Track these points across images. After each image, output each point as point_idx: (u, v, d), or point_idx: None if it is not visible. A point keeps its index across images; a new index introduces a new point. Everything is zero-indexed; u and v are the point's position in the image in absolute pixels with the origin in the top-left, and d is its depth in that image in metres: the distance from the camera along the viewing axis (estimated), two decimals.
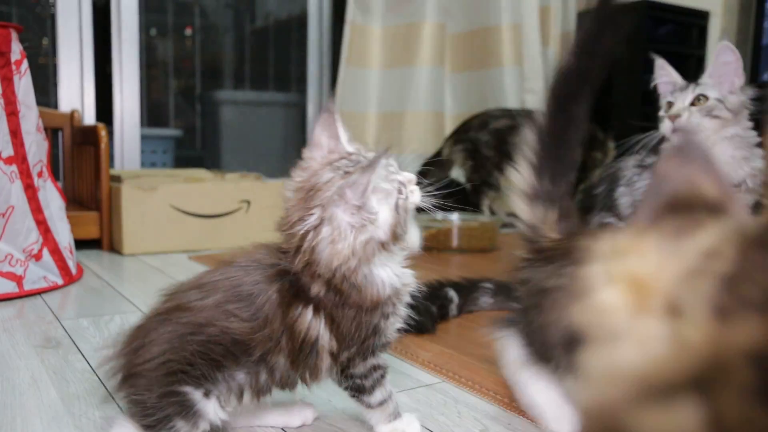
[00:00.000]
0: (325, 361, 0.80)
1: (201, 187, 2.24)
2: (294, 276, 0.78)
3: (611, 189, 1.35)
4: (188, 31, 3.89)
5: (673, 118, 1.22)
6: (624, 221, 1.32)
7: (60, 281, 1.67)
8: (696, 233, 0.30)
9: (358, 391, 0.83)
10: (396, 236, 0.78)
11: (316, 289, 0.77)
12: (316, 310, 0.78)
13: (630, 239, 0.32)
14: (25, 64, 1.63)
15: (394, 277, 0.81)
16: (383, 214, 0.77)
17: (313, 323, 0.78)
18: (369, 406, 0.84)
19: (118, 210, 2.15)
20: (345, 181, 0.74)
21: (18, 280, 1.57)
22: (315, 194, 0.76)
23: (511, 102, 3.14)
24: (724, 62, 1.21)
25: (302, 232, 0.76)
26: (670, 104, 1.24)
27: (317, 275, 0.76)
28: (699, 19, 3.17)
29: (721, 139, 1.20)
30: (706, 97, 1.20)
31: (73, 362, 1.13)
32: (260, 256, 0.81)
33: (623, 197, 1.32)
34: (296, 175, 0.80)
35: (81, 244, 2.08)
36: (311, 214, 0.75)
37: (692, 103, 1.21)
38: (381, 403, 0.84)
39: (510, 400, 0.98)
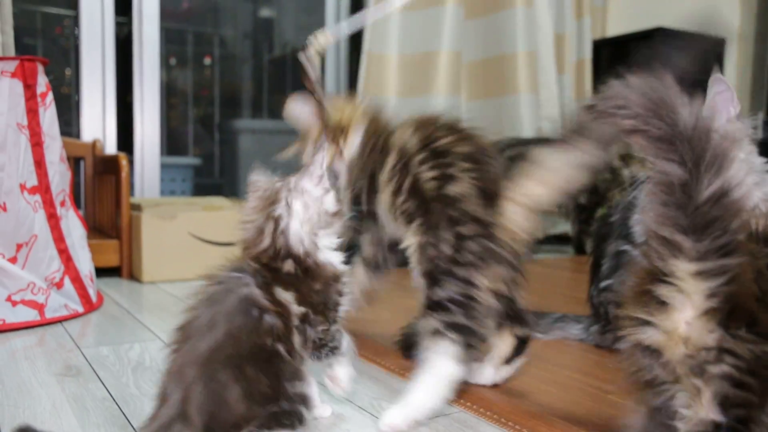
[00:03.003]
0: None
1: (219, 216, 2.26)
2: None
3: (626, 217, 1.35)
4: (207, 61, 3.95)
5: None
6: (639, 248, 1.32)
7: (80, 309, 1.69)
8: None
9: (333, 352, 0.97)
10: (338, 212, 0.96)
11: (287, 267, 0.91)
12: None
13: None
14: (50, 96, 1.67)
15: (339, 260, 0.96)
16: (330, 193, 0.95)
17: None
18: (342, 355, 0.99)
19: (138, 238, 2.17)
20: (306, 165, 0.94)
21: (40, 308, 1.59)
22: (276, 194, 0.92)
23: (527, 129, 3.15)
24: (717, 93, 1.21)
25: (275, 215, 0.91)
26: None
27: (287, 255, 0.91)
28: (715, 46, 3.17)
29: None
30: None
31: (94, 390, 1.14)
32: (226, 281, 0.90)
33: (638, 225, 1.32)
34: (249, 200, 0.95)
35: (101, 271, 2.11)
36: (279, 203, 0.92)
37: None
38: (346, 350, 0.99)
39: (529, 431, 0.98)
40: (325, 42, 1.35)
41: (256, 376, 0.83)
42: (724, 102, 1.21)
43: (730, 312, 0.62)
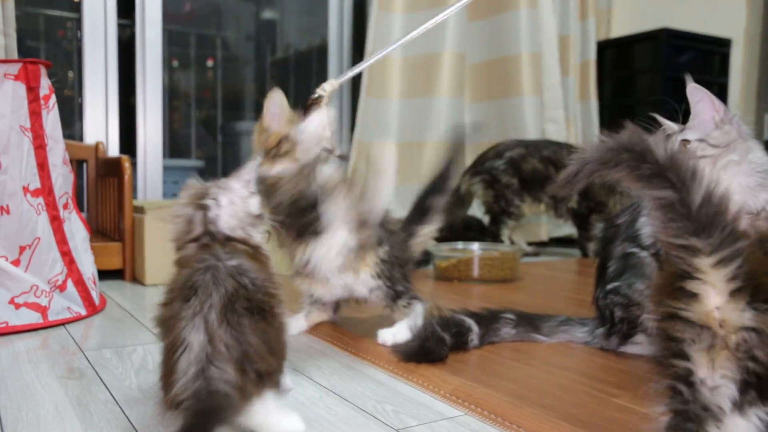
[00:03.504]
0: None
1: None
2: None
3: (633, 219, 1.34)
4: (210, 63, 3.95)
5: None
6: (646, 250, 1.31)
7: (83, 312, 1.68)
8: None
9: None
10: (260, 216, 1.03)
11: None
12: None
13: None
14: (53, 99, 1.66)
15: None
16: (255, 197, 1.02)
17: None
18: None
19: (140, 241, 2.17)
20: (240, 170, 1.02)
21: (43, 311, 1.58)
22: (205, 191, 0.99)
23: (531, 131, 3.15)
24: (696, 102, 1.20)
25: (204, 203, 0.98)
26: None
27: (226, 240, 0.97)
28: (721, 46, 3.17)
29: (720, 172, 1.18)
30: (688, 141, 1.20)
31: (96, 393, 1.13)
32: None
33: (645, 227, 1.32)
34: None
35: (103, 274, 2.10)
36: (208, 196, 0.98)
37: None
38: None
39: None
40: (332, 90, 1.41)
41: (265, 332, 0.88)
42: (706, 109, 1.19)
43: (755, 290, 0.73)
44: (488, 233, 2.93)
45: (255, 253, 0.99)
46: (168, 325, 0.87)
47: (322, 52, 3.62)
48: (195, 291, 0.86)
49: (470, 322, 1.41)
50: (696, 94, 1.20)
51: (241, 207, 0.99)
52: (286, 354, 0.94)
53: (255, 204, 1.02)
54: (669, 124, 1.28)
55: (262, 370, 0.85)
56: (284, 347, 0.93)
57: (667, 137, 1.26)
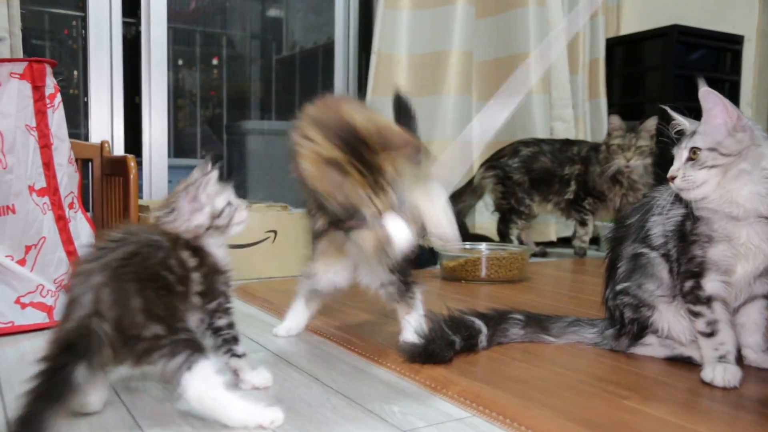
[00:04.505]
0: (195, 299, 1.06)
1: None
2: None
3: (644, 220, 1.32)
4: (215, 61, 3.95)
5: (671, 179, 1.20)
6: (656, 251, 1.29)
7: None
8: None
9: (231, 341, 1.12)
10: (217, 226, 1.12)
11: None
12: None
13: None
14: (58, 98, 1.66)
15: (226, 256, 1.14)
16: (206, 209, 1.11)
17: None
18: (239, 355, 1.12)
19: None
20: (188, 183, 1.12)
21: (49, 310, 1.58)
22: (169, 200, 1.12)
23: (539, 130, 3.13)
24: (709, 108, 1.17)
25: (161, 216, 1.10)
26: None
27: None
28: (733, 44, 3.14)
29: (731, 181, 1.16)
30: (699, 149, 1.16)
31: None
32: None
33: (656, 227, 1.30)
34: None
35: None
36: (167, 207, 1.11)
37: (690, 158, 1.18)
38: (244, 354, 1.14)
39: None
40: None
41: (155, 299, 0.96)
42: (719, 115, 1.17)
43: None
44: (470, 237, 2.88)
45: (193, 245, 1.08)
46: (79, 266, 0.99)
47: (328, 50, 3.61)
48: (102, 253, 0.98)
49: (479, 324, 1.40)
50: (709, 98, 1.16)
51: (183, 225, 1.09)
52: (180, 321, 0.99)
53: (202, 218, 1.10)
54: (681, 120, 1.26)
55: (136, 333, 0.93)
56: (173, 320, 0.98)
57: (678, 133, 1.24)
